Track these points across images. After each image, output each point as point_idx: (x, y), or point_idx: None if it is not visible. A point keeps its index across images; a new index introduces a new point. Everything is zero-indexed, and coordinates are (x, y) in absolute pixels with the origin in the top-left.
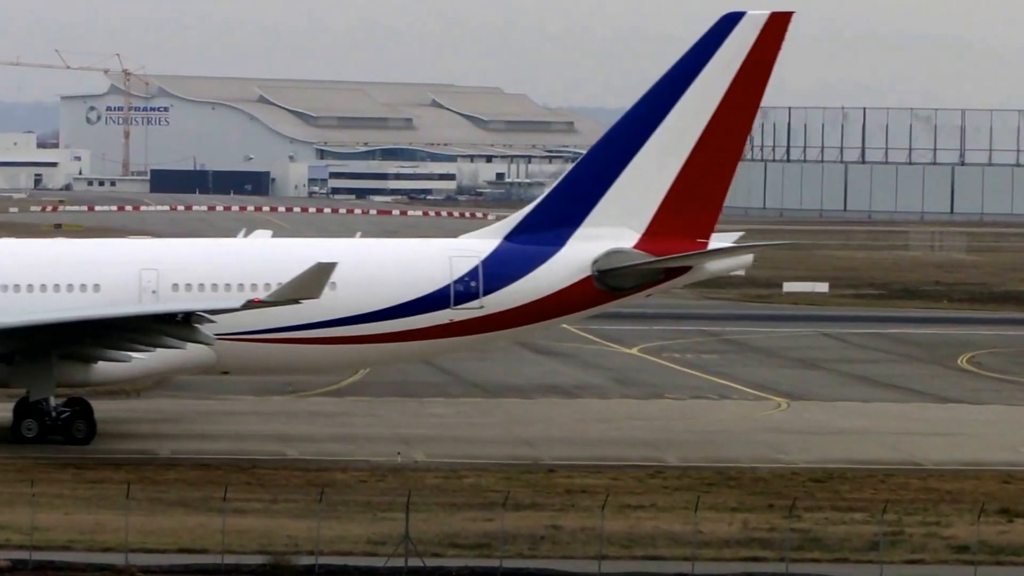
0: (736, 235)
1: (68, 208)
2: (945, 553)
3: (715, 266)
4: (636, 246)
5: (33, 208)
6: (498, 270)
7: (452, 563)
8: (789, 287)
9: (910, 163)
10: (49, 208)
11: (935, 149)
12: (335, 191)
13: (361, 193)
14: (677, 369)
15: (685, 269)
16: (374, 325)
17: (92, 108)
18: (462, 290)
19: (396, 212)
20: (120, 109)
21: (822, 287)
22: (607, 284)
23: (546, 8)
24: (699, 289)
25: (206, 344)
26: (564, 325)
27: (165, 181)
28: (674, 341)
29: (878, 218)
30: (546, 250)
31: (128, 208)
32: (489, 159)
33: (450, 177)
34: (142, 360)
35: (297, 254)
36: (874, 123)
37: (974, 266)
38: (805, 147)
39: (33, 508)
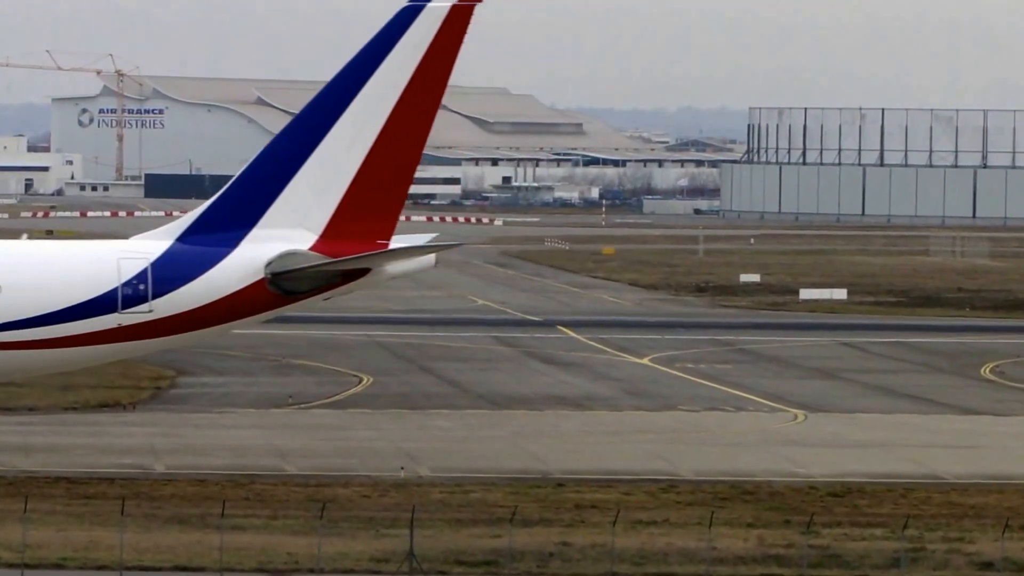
0: (429, 236)
1: (60, 214)
2: (968, 570)
3: (395, 267)
4: (312, 248)
5: (24, 214)
6: (168, 272)
7: None
8: (806, 294)
9: (930, 166)
10: (40, 214)
11: (956, 151)
12: None
13: None
14: (690, 380)
15: (365, 271)
16: (37, 330)
17: (84, 110)
18: (130, 293)
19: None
20: (113, 111)
21: (840, 294)
22: (281, 287)
23: (552, 5)
24: (712, 297)
25: None
26: (571, 334)
27: (160, 186)
28: (686, 351)
29: (897, 222)
30: (218, 251)
31: (122, 214)
32: (495, 162)
33: (455, 181)
34: None
35: None
36: (893, 124)
37: (998, 272)
38: (821, 149)
39: (25, 524)
